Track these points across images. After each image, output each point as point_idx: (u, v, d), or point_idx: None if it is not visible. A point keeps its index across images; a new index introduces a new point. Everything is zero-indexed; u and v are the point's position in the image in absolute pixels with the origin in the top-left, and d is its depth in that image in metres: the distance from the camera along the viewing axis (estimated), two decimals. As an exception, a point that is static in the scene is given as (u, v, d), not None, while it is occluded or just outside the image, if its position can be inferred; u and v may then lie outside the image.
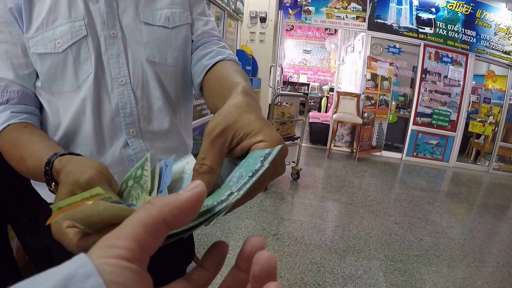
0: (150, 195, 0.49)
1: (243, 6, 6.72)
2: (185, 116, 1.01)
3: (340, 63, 7.93)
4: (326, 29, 11.34)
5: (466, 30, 6.63)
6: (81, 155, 0.58)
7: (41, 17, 0.79)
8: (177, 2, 0.91)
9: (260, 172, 0.33)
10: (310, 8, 7.03)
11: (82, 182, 0.44)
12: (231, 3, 5.94)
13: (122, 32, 0.83)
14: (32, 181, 0.91)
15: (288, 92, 9.39)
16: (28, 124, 0.76)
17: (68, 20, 0.79)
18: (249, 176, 0.34)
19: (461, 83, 6.79)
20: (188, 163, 0.57)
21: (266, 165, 0.34)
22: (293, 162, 4.76)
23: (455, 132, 6.89)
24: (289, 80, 12.37)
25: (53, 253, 0.98)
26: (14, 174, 1.14)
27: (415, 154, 6.99)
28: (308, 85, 12.23)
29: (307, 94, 11.67)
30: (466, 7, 6.54)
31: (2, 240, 1.61)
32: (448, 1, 6.55)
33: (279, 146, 0.36)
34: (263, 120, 0.41)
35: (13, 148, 0.71)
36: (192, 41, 0.95)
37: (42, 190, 0.92)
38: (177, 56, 0.91)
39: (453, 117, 6.88)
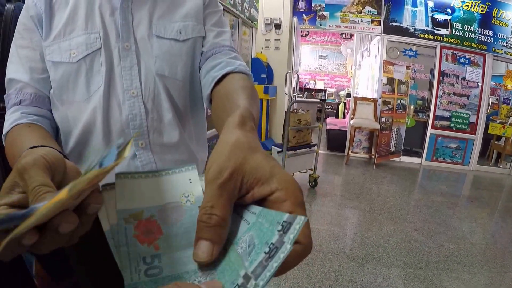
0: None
1: (257, 13, 6.77)
2: (196, 129, 1.01)
3: (357, 68, 7.91)
4: (341, 33, 11.33)
5: (482, 30, 6.53)
6: (55, 149, 0.52)
7: (59, 27, 0.83)
8: (191, 15, 0.93)
9: (284, 256, 0.29)
10: (324, 13, 7.04)
11: (19, 167, 0.41)
12: (245, 10, 6.00)
13: (135, 45, 0.86)
14: None
15: (304, 99, 9.40)
16: (32, 125, 0.76)
17: (84, 32, 0.82)
18: (265, 253, 0.30)
19: (480, 84, 6.68)
20: (190, 181, 0.51)
21: (289, 246, 0.29)
22: (310, 169, 4.77)
23: (474, 134, 6.76)
24: (306, 87, 12.35)
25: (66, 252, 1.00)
26: None
27: (434, 158, 6.88)
28: (325, 91, 12.19)
29: (324, 100, 11.60)
30: (482, 6, 6.45)
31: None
32: (463, 1, 6.47)
33: (303, 219, 0.31)
34: (270, 161, 0.38)
35: (11, 146, 0.71)
36: (202, 52, 0.95)
37: None
38: (187, 70, 0.91)
39: (472, 119, 6.76)
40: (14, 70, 0.83)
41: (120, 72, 0.83)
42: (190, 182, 0.50)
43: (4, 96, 0.83)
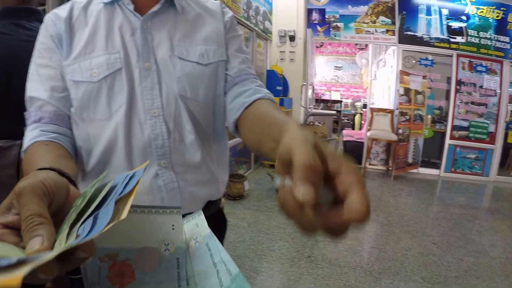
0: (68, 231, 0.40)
1: (271, 25, 6.83)
2: (217, 151, 1.00)
3: (372, 79, 7.87)
4: (356, 44, 11.31)
5: (498, 36, 6.47)
6: (61, 173, 0.52)
7: (80, 46, 0.84)
8: (212, 39, 0.94)
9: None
10: (338, 24, 7.08)
11: (16, 190, 0.41)
12: (259, 23, 6.07)
13: (156, 65, 0.86)
14: None
15: (320, 111, 9.38)
16: (50, 143, 0.76)
17: (105, 52, 0.84)
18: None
19: (498, 92, 6.58)
20: (197, 225, 0.54)
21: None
22: (327, 182, 4.76)
23: (494, 144, 6.64)
24: (321, 98, 12.28)
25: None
26: None
27: (453, 169, 6.77)
28: (340, 102, 12.09)
29: (340, 111, 11.57)
30: (497, 12, 6.39)
31: None
32: (478, 7, 6.43)
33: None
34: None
35: (27, 164, 0.71)
36: (228, 77, 0.95)
37: None
38: (208, 93, 0.91)
39: (491, 128, 6.64)
40: (34, 88, 0.84)
41: (141, 92, 0.84)
42: (173, 229, 0.50)
43: (25, 113, 0.84)
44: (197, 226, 0.53)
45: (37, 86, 0.84)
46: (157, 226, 0.50)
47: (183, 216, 0.54)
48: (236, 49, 0.98)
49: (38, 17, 1.42)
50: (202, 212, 0.56)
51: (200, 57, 0.90)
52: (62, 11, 0.88)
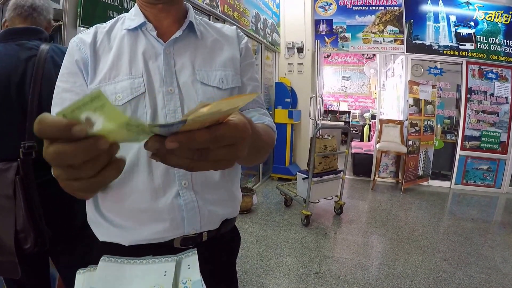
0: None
1: (279, 37, 6.87)
2: (233, 170, 1.04)
3: (381, 89, 7.83)
4: (363, 53, 11.29)
5: (508, 41, 6.40)
6: None
7: (104, 71, 0.88)
8: (229, 65, 0.98)
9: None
10: (346, 34, 7.10)
11: None
12: (267, 35, 6.13)
13: (179, 89, 0.90)
14: (88, 219, 0.97)
15: (329, 123, 9.35)
16: None
17: (129, 76, 0.87)
18: None
19: (509, 99, 6.49)
20: (189, 267, 0.55)
21: None
22: (336, 196, 4.73)
23: (506, 154, 6.51)
24: (329, 109, 12.26)
25: None
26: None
27: (464, 181, 6.65)
28: (349, 113, 12.05)
29: (348, 122, 11.55)
30: (506, 16, 6.33)
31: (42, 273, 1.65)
32: (486, 13, 6.38)
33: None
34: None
35: None
36: None
37: (98, 229, 0.96)
38: None
39: (503, 137, 6.52)
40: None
41: (165, 115, 0.87)
42: (165, 275, 0.53)
43: None
44: (188, 267, 0.55)
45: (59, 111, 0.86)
46: (150, 273, 0.53)
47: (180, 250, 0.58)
48: (249, 77, 1.04)
49: (40, 36, 1.50)
50: (196, 251, 0.59)
51: (220, 82, 0.94)
52: (87, 36, 0.93)
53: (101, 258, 0.55)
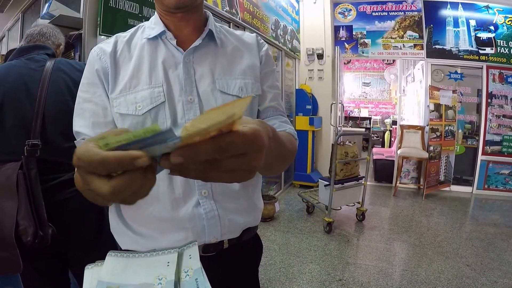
0: None
1: (299, 44, 6.91)
2: (254, 180, 1.03)
3: (402, 95, 7.82)
4: (383, 59, 11.25)
5: (529, 44, 6.34)
6: None
7: (125, 80, 0.88)
8: (249, 73, 0.98)
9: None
10: (366, 40, 7.13)
11: None
12: (287, 42, 6.19)
13: (198, 98, 0.90)
14: (111, 228, 0.99)
15: (350, 130, 9.31)
16: None
17: (149, 86, 0.88)
18: None
19: (530, 103, 6.43)
20: (190, 257, 0.60)
21: None
22: (358, 203, 4.78)
23: (528, 158, 6.46)
24: (350, 115, 12.22)
25: None
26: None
27: (486, 186, 6.60)
28: (369, 119, 12.00)
29: (369, 128, 11.53)
30: (526, 20, 6.30)
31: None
32: (506, 16, 6.36)
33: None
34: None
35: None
36: (259, 111, 1.00)
37: (120, 237, 0.98)
38: None
39: (525, 142, 6.49)
40: (80, 124, 0.89)
41: (184, 124, 0.84)
42: (168, 265, 0.58)
43: (75, 141, 0.90)
44: (190, 257, 0.60)
45: (81, 122, 0.89)
46: (155, 264, 0.58)
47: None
48: (269, 85, 1.04)
49: (47, 52, 1.67)
50: (196, 242, 0.63)
51: (240, 91, 0.94)
52: (107, 45, 0.94)
53: (108, 253, 0.59)
